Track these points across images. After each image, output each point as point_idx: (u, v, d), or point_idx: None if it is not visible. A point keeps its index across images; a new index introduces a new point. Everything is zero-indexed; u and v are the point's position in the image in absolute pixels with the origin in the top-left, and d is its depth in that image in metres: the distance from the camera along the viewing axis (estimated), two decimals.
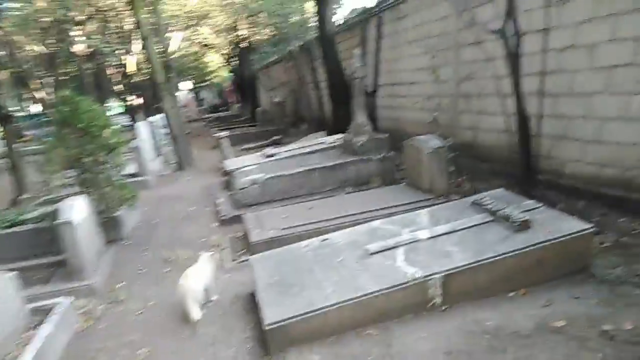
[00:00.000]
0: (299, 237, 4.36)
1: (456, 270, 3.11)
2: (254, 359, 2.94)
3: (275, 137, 11.84)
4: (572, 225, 3.29)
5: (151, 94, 21.43)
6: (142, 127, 9.67)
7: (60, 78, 18.26)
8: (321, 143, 7.96)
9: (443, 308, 3.09)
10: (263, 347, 2.99)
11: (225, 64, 25.09)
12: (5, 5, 13.52)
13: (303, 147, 7.97)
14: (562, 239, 3.17)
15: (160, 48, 10.41)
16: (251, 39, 18.33)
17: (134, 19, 10.13)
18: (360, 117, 6.88)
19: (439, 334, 2.84)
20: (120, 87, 21.01)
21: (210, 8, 18.58)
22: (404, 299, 3.07)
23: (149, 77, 16.72)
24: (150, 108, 20.54)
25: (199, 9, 18.70)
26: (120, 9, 14.44)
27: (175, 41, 18.60)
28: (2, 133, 8.50)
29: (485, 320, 2.90)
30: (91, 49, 16.55)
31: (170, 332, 3.37)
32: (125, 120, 19.50)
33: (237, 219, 5.67)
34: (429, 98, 7.80)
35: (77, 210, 4.29)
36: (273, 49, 16.52)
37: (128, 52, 17.74)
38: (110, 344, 3.31)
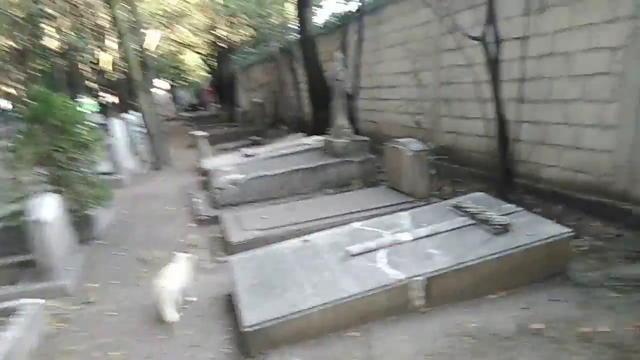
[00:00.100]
0: (280, 238, 4.30)
1: (438, 272, 3.11)
2: None
3: (254, 138, 11.74)
4: (552, 229, 3.34)
5: (126, 92, 21.04)
6: (117, 125, 9.43)
7: (30, 73, 17.71)
8: (301, 144, 7.93)
9: (425, 310, 3.09)
10: (243, 350, 2.92)
11: (203, 64, 24.82)
12: None
13: (283, 148, 7.91)
14: (542, 242, 3.21)
15: (137, 46, 10.20)
16: (230, 40, 18.18)
17: (109, 15, 9.92)
18: (341, 120, 6.87)
19: (420, 336, 2.82)
20: (94, 84, 20.56)
21: (188, 7, 18.37)
22: (386, 301, 3.05)
23: (124, 74, 16.42)
24: (124, 106, 20.14)
25: (178, 8, 18.48)
26: (95, 4, 14.13)
27: (153, 39, 18.31)
28: None
29: (466, 322, 2.90)
30: (64, 45, 16.14)
31: (145, 335, 3.27)
32: (98, 118, 19.04)
33: (215, 219, 5.58)
34: (409, 102, 7.86)
35: (48, 208, 4.13)
36: (253, 50, 16.41)
37: (103, 49, 17.36)
38: (82, 346, 3.18)
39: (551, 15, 4.85)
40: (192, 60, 28.11)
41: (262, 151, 7.87)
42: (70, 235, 4.55)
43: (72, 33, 15.50)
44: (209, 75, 26.02)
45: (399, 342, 2.79)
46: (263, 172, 6.36)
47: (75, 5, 14.72)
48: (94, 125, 5.73)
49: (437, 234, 3.59)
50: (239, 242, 4.46)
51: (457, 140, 6.52)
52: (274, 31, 13.88)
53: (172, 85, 32.23)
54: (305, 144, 7.83)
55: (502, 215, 3.60)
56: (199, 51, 22.38)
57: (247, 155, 7.63)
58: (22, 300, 3.43)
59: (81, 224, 4.98)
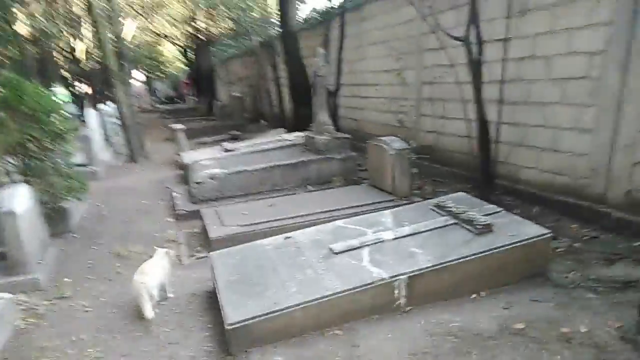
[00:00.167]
0: (261, 235, 4.26)
1: (421, 271, 3.12)
2: None
3: (233, 132, 11.61)
4: (532, 230, 3.39)
5: (100, 82, 20.47)
6: (91, 116, 9.17)
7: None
8: (282, 140, 7.86)
9: (407, 309, 3.09)
10: (224, 348, 2.87)
11: (181, 56, 24.41)
12: None
13: (263, 143, 7.83)
14: (522, 243, 3.25)
15: (113, 35, 9.93)
16: (210, 32, 17.90)
17: (85, 2, 9.61)
18: (322, 116, 6.84)
19: (404, 335, 2.83)
20: (67, 73, 19.93)
21: None
22: (369, 300, 3.04)
23: (99, 64, 15.96)
24: (99, 96, 19.61)
25: None
26: None
27: (129, 29, 17.85)
28: None
29: (448, 321, 2.92)
30: (36, 32, 15.57)
31: (122, 332, 3.17)
32: (72, 108, 18.49)
33: (194, 214, 5.48)
34: (391, 100, 7.89)
35: (20, 199, 3.97)
36: (233, 43, 16.21)
37: (77, 37, 16.84)
38: (55, 343, 3.06)
39: (532, 18, 4.92)
40: (169, 52, 27.62)
41: (242, 146, 7.77)
42: (42, 228, 4.39)
43: (45, 20, 14.97)
44: (187, 68, 25.61)
45: (383, 341, 2.78)
46: (243, 167, 6.29)
47: None
48: (68, 115, 5.53)
49: (419, 233, 3.60)
50: (219, 238, 4.38)
51: (438, 140, 6.57)
52: (254, 25, 13.73)
53: (148, 77, 31.57)
54: (286, 140, 7.77)
55: (484, 215, 3.64)
56: (177, 43, 21.97)
57: (226, 150, 7.53)
58: None
59: (54, 216, 4.81)
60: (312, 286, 3.06)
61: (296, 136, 7.92)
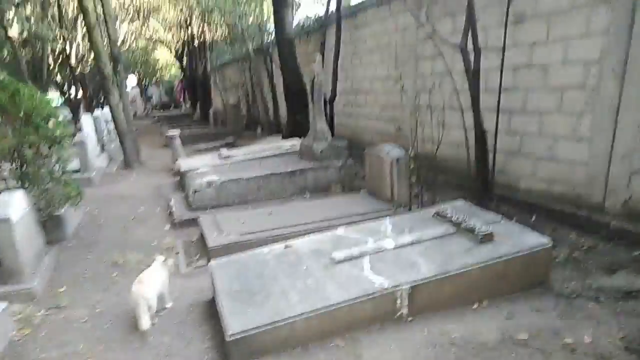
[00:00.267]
0: (260, 243, 4.22)
1: (423, 281, 3.10)
2: None
3: (229, 139, 11.57)
4: (534, 239, 3.39)
5: (94, 87, 20.36)
6: (86, 121, 9.11)
7: None
8: (278, 147, 7.85)
9: (409, 319, 3.07)
10: (224, 359, 2.83)
11: (176, 62, 24.37)
12: None
13: (260, 150, 7.82)
14: (524, 252, 3.25)
15: (108, 39, 9.89)
16: (205, 37, 17.89)
17: (78, 5, 9.55)
18: (320, 123, 6.83)
19: (406, 346, 2.81)
20: (60, 78, 19.80)
21: (161, 2, 17.96)
22: (371, 310, 3.02)
23: (91, 69, 15.86)
24: (92, 102, 19.48)
25: (149, 2, 18.04)
26: None
27: (123, 33, 17.79)
28: None
29: (451, 331, 2.91)
30: (28, 35, 15.46)
31: (119, 343, 3.12)
32: (65, 113, 18.36)
33: (191, 222, 5.43)
34: (386, 108, 7.91)
35: (15, 206, 3.91)
36: (228, 49, 16.19)
37: (70, 41, 16.75)
38: (51, 354, 3.01)
39: (528, 27, 4.96)
40: (163, 57, 27.57)
41: (238, 153, 7.75)
42: (38, 236, 4.33)
43: (38, 22, 14.88)
44: (181, 73, 25.56)
45: (386, 352, 2.76)
46: (240, 174, 6.25)
47: None
48: (63, 119, 5.48)
49: (420, 241, 3.59)
50: (218, 247, 4.33)
51: (435, 149, 6.56)
52: (250, 31, 13.72)
53: (142, 83, 31.48)
54: (282, 147, 7.76)
55: (484, 224, 3.64)
56: (171, 48, 21.95)
57: (223, 157, 7.50)
58: None
59: (50, 223, 4.75)
60: (314, 296, 3.03)
61: (292, 143, 7.91)
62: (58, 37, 15.76)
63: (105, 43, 9.41)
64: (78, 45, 16.32)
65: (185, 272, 4.26)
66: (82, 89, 19.41)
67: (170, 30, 19.80)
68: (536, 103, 4.96)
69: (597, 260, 3.68)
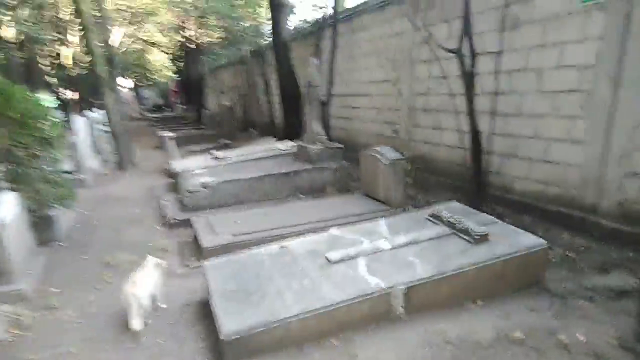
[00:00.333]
0: (254, 244, 4.20)
1: (419, 281, 3.10)
2: None
3: (223, 141, 11.54)
4: (529, 240, 3.40)
5: (87, 89, 20.23)
6: (79, 123, 9.04)
7: None
8: (273, 149, 7.84)
9: (405, 319, 3.06)
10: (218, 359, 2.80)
11: (171, 64, 24.30)
12: None
13: (254, 152, 7.80)
14: (520, 253, 3.26)
15: (102, 41, 9.83)
16: (200, 40, 17.86)
17: (73, 7, 9.51)
18: (315, 126, 6.83)
19: (402, 345, 2.80)
20: (54, 79, 19.69)
21: (157, 5, 17.92)
22: (367, 310, 3.01)
23: (87, 70, 15.75)
24: (86, 103, 19.36)
25: (145, 5, 17.99)
26: None
27: (118, 35, 17.73)
28: None
29: (446, 331, 2.90)
30: (22, 36, 15.36)
31: (112, 344, 3.08)
32: (58, 114, 18.22)
33: (185, 223, 5.40)
34: (382, 111, 7.92)
35: (6, 207, 3.88)
36: (223, 52, 16.19)
37: (63, 42, 16.67)
38: (43, 355, 2.96)
39: (524, 32, 4.99)
40: (158, 60, 27.49)
41: (233, 155, 7.72)
42: (29, 237, 4.29)
43: (31, 24, 14.79)
44: (176, 76, 25.50)
45: (382, 352, 2.75)
46: (234, 175, 6.23)
47: None
48: (56, 120, 5.44)
49: (416, 242, 3.59)
50: (212, 247, 4.31)
51: (430, 151, 6.60)
52: (245, 34, 13.74)
53: (136, 84, 31.37)
54: (277, 149, 7.75)
55: (480, 225, 3.64)
56: (166, 50, 21.90)
57: (217, 158, 7.48)
58: None
59: (41, 224, 4.70)
60: (309, 296, 3.01)
61: (287, 145, 7.90)
62: (52, 39, 15.70)
63: (100, 45, 9.35)
64: (71, 46, 16.25)
65: (180, 272, 4.22)
66: (74, 90, 19.32)
67: (166, 33, 19.78)
68: (531, 106, 4.98)
69: (591, 260, 3.70)
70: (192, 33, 17.65)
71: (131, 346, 3.03)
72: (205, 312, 3.41)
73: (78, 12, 8.85)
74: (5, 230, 3.70)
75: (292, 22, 11.16)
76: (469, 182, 5.15)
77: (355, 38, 8.74)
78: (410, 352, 2.72)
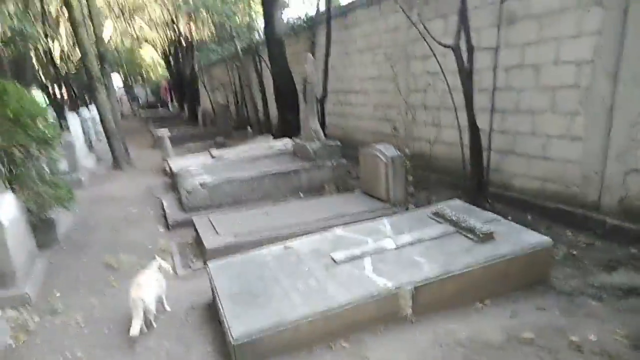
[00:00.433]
0: (257, 244, 4.17)
1: (427, 281, 3.09)
2: None
3: (219, 139, 11.47)
4: (534, 237, 3.41)
5: (79, 86, 19.99)
6: (73, 121, 8.95)
7: None
8: (270, 147, 7.81)
9: (413, 319, 3.06)
10: None
11: (163, 61, 24.07)
12: None
13: (252, 150, 7.77)
14: (526, 251, 3.27)
15: (94, 37, 9.72)
16: (192, 37, 17.71)
17: (62, 2, 9.35)
18: (313, 123, 6.80)
19: (413, 346, 2.79)
20: (43, 77, 19.43)
21: (146, 0, 17.74)
22: (375, 310, 3.00)
23: (77, 68, 15.59)
24: (77, 101, 19.13)
25: (134, 0, 17.81)
26: None
27: (108, 31, 17.55)
28: None
29: (456, 331, 2.90)
30: (10, 32, 15.12)
31: (119, 348, 3.05)
32: (51, 113, 17.98)
33: (185, 223, 5.37)
34: (378, 107, 7.91)
35: (6, 209, 3.82)
36: (216, 48, 16.03)
37: (54, 38, 16.44)
38: None
39: (520, 28, 4.99)
40: (149, 57, 27.26)
41: (230, 153, 7.68)
42: (29, 239, 4.23)
43: (22, 20, 14.56)
44: (168, 73, 25.28)
45: (393, 353, 2.74)
46: (233, 174, 6.19)
47: None
48: (53, 120, 5.37)
49: (420, 241, 3.59)
50: (215, 248, 4.28)
51: (429, 148, 6.59)
52: (239, 30, 13.61)
53: (128, 82, 31.07)
54: (274, 147, 7.72)
55: (483, 223, 3.65)
56: (158, 47, 21.70)
57: (215, 157, 7.43)
58: None
59: (41, 226, 4.65)
60: (317, 297, 3.00)
61: (285, 143, 7.88)
62: (42, 35, 15.45)
63: (91, 41, 9.23)
64: (62, 43, 16.03)
65: (182, 274, 4.20)
66: (66, 88, 19.07)
67: (157, 29, 19.60)
68: (529, 103, 4.99)
69: (595, 257, 3.72)
70: (184, 29, 17.50)
71: (139, 350, 3.01)
72: (210, 314, 3.40)
73: (67, 6, 8.69)
74: (5, 233, 3.65)
75: (288, 17, 11.06)
76: (469, 179, 5.16)
77: (350, 34, 8.70)
78: (421, 353, 2.72)
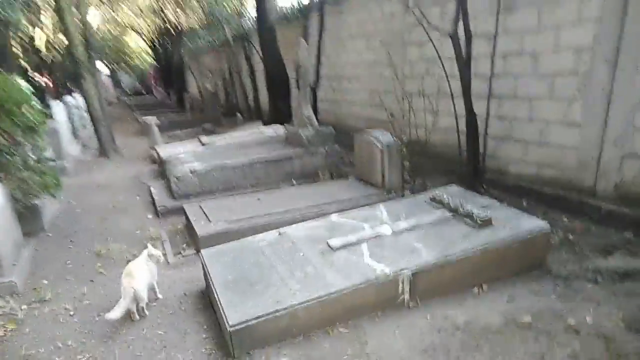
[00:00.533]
0: (251, 231, 4.12)
1: (424, 266, 3.06)
2: None
3: (207, 126, 11.30)
4: (531, 222, 3.40)
5: (62, 73, 19.53)
6: (58, 108, 8.72)
7: None
8: (261, 133, 7.70)
9: (411, 304, 3.03)
10: (224, 350, 2.73)
11: (149, 47, 23.64)
12: None
13: (242, 137, 7.65)
14: (523, 235, 3.25)
15: (80, 23, 9.44)
16: (180, 23, 17.37)
17: None
18: (306, 109, 6.70)
19: (411, 331, 2.77)
20: (26, 64, 18.95)
21: None
22: (373, 296, 2.96)
23: (64, 54, 15.19)
24: (61, 88, 18.71)
25: None
26: None
27: (94, 18, 17.13)
28: None
29: (454, 316, 2.88)
30: None
31: (112, 335, 2.97)
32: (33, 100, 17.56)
33: (175, 211, 5.28)
34: (373, 94, 7.83)
35: None
36: (205, 35, 15.77)
37: (36, 25, 16.00)
38: (40, 350, 2.84)
39: (519, 14, 4.94)
40: (136, 43, 26.75)
41: (220, 140, 7.55)
42: (15, 227, 4.11)
43: (3, 4, 14.12)
44: (155, 60, 24.86)
45: (391, 338, 2.71)
46: (224, 161, 6.08)
47: None
48: (39, 106, 5.20)
49: (418, 227, 3.56)
50: (207, 235, 4.20)
51: (425, 134, 6.54)
52: (228, 16, 13.38)
53: (113, 69, 30.50)
54: (265, 133, 7.61)
55: (481, 208, 3.62)
56: (144, 34, 21.27)
57: (204, 144, 7.30)
58: None
59: (26, 214, 4.51)
60: (314, 283, 2.95)
61: (276, 130, 7.77)
62: (24, 21, 15.03)
63: (77, 28, 8.97)
64: (45, 29, 15.62)
65: (173, 262, 4.11)
66: (50, 76, 18.63)
67: (143, 15, 19.18)
68: (527, 89, 4.96)
69: (591, 242, 3.72)
70: (172, 16, 17.15)
71: (132, 337, 2.94)
72: (204, 302, 3.34)
73: None
74: None
75: (279, 4, 10.88)
76: (465, 165, 5.13)
77: (344, 20, 8.58)
78: (420, 339, 2.69)
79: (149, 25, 19.70)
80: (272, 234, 3.76)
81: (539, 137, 4.85)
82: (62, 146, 7.73)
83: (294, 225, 3.89)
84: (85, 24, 9.67)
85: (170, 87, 21.09)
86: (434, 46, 5.30)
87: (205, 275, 3.37)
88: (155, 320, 3.13)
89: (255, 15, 10.18)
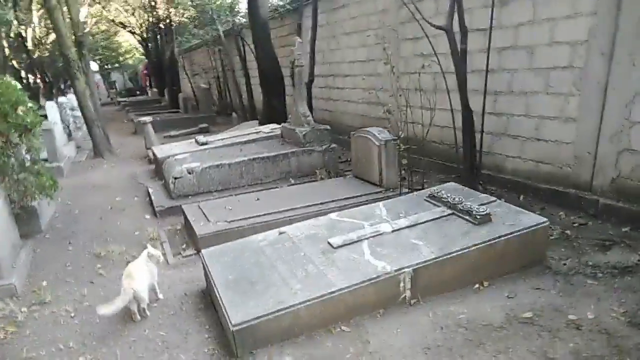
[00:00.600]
0: (250, 230, 4.13)
1: (425, 264, 3.07)
2: None
3: (202, 125, 11.26)
4: (531, 219, 3.42)
5: (53, 73, 19.38)
6: (52, 108, 8.65)
7: None
8: (257, 132, 7.69)
9: (412, 302, 3.04)
10: (227, 350, 2.73)
11: (141, 46, 23.45)
12: None
13: (238, 135, 7.64)
14: (522, 232, 3.26)
15: (71, 22, 9.36)
16: (171, 20, 17.25)
17: None
18: (301, 107, 6.70)
19: (413, 329, 2.78)
20: (16, 64, 18.76)
21: None
22: (374, 294, 2.97)
23: (55, 53, 15.05)
24: (52, 88, 18.57)
25: None
26: None
27: (83, 15, 16.96)
28: None
29: (456, 313, 2.89)
30: None
31: (113, 337, 2.96)
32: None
33: (173, 211, 5.27)
34: (368, 91, 7.82)
35: None
36: (198, 32, 15.64)
37: (26, 23, 15.84)
38: (41, 352, 2.83)
39: (513, 8, 4.95)
40: (127, 41, 26.56)
41: (216, 139, 7.53)
42: (13, 229, 4.07)
43: None
44: (146, 58, 24.68)
45: (393, 336, 2.72)
46: (221, 160, 6.06)
47: None
48: (34, 107, 5.16)
49: (417, 224, 3.57)
50: (206, 235, 4.18)
51: (421, 131, 6.54)
52: (221, 13, 13.31)
53: (104, 68, 30.26)
54: (262, 132, 7.60)
55: (480, 205, 3.64)
56: (136, 32, 21.10)
57: (201, 143, 7.28)
58: None
59: (24, 216, 4.48)
60: (316, 283, 2.95)
61: (271, 128, 7.76)
62: (13, 19, 14.86)
63: (68, 26, 8.89)
64: (35, 27, 15.47)
65: (173, 262, 4.10)
66: (40, 75, 18.48)
67: (134, 12, 19.04)
68: (523, 84, 4.98)
69: (589, 237, 3.75)
70: (162, 11, 17.01)
71: (134, 339, 2.93)
72: (205, 302, 3.33)
73: None
74: None
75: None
76: (461, 162, 5.15)
77: (338, 16, 8.56)
78: (423, 336, 2.70)
79: (140, 24, 19.55)
80: (272, 234, 3.76)
81: (535, 132, 4.87)
82: (56, 147, 7.68)
83: (294, 225, 3.89)
84: (75, 22, 9.57)
85: (163, 86, 20.95)
86: (429, 41, 5.30)
87: (206, 275, 3.37)
88: (156, 321, 3.12)
89: (248, 11, 10.09)
